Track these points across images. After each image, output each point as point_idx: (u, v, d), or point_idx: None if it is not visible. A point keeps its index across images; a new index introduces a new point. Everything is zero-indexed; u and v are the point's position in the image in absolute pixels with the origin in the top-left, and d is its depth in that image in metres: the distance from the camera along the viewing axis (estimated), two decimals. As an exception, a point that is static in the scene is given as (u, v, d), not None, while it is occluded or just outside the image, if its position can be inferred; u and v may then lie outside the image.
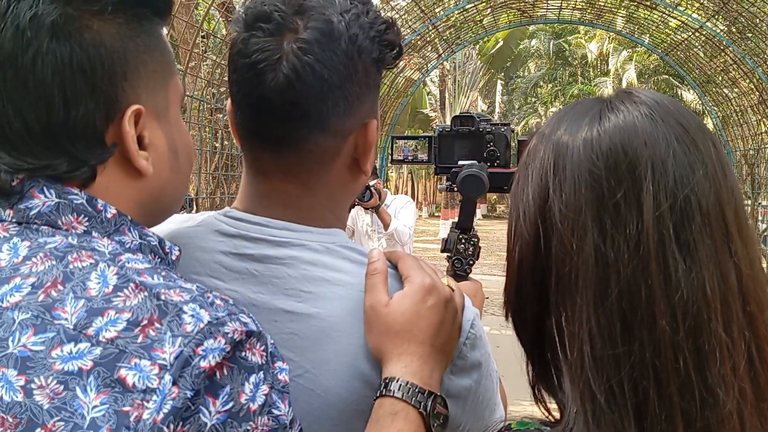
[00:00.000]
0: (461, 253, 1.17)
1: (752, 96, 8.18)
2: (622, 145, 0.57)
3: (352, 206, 4.73)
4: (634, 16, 8.55)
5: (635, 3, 7.94)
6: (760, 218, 9.57)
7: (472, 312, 0.78)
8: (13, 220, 0.59)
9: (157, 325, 0.53)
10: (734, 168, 9.06)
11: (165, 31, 0.71)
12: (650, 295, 0.53)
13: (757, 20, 7.21)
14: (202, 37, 5.81)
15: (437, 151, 1.19)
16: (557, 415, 0.63)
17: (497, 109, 27.06)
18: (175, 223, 0.80)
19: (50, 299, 0.53)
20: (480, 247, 1.19)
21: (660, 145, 0.57)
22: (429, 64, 9.89)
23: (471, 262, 1.18)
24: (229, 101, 0.77)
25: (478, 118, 1.18)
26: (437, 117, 22.00)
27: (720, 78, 8.70)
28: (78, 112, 0.60)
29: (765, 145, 8.39)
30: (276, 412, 0.56)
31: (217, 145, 5.50)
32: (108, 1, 0.62)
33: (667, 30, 8.59)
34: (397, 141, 1.22)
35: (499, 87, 26.81)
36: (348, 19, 0.71)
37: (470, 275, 1.17)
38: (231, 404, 0.53)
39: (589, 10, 8.52)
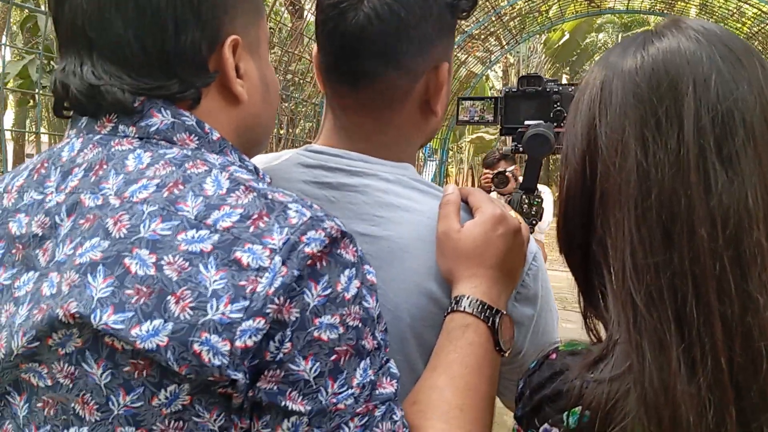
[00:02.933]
0: (524, 213, 1.19)
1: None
2: (665, 65, 0.59)
3: (489, 192, 4.77)
4: (708, 4, 8.24)
5: (710, -9, 7.66)
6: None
7: (535, 246, 0.83)
8: (136, 135, 0.67)
9: (266, 218, 0.60)
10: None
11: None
12: (690, 205, 0.55)
13: (843, 7, 6.85)
14: (270, 31, 5.93)
15: (503, 112, 1.21)
16: None
17: (561, 105, 26.48)
18: (261, 162, 0.87)
19: (173, 195, 0.61)
20: (543, 208, 1.21)
21: (703, 63, 0.58)
22: (491, 56, 9.79)
23: (533, 222, 1.20)
24: (315, 46, 0.84)
25: (545, 78, 1.19)
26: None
27: (800, 69, 8.29)
28: (187, 39, 0.67)
29: None
30: (366, 304, 0.62)
31: (282, 132, 5.64)
32: None
33: (743, 19, 8.24)
34: (463, 102, 1.25)
35: (564, 82, 26.22)
36: None
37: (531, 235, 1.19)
38: (329, 290, 0.59)
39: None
